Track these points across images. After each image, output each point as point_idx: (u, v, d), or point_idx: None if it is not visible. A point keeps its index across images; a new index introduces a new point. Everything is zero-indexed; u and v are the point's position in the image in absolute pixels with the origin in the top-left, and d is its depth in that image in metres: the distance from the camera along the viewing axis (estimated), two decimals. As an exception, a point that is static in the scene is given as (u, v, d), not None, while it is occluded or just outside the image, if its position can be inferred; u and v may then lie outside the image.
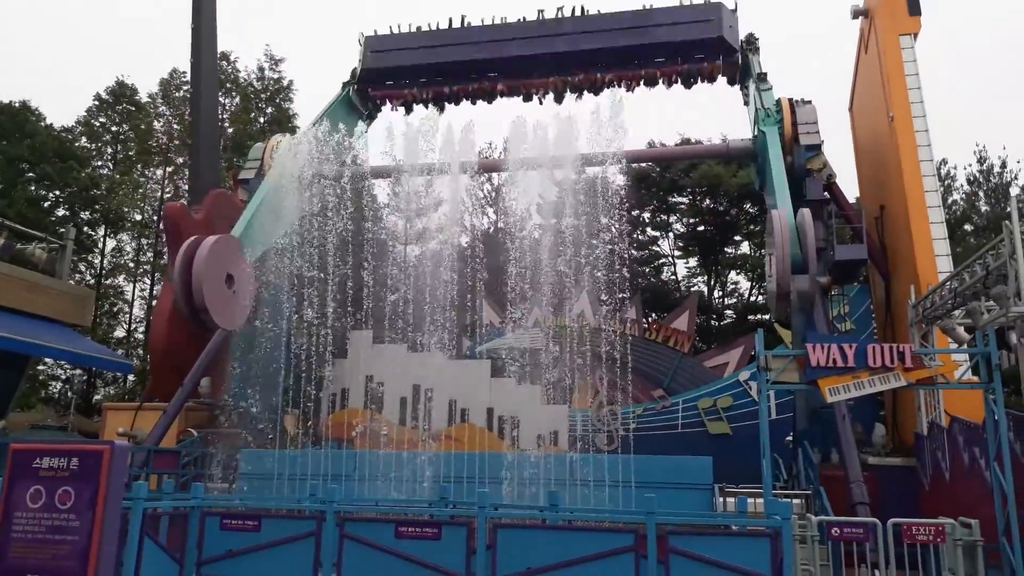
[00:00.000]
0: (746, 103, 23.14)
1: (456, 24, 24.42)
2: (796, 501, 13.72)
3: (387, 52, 24.79)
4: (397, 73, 24.97)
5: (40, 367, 37.47)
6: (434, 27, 24.69)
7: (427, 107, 25.24)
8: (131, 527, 8.21)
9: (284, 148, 20.48)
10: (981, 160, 39.44)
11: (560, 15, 23.61)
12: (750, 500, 10.99)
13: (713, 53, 22.73)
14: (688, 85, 23.52)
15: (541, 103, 24.53)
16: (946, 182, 38.74)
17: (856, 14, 22.52)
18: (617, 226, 17.63)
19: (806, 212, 17.06)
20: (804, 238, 16.52)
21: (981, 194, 39.45)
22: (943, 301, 14.80)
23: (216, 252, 17.32)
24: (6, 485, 6.05)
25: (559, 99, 24.22)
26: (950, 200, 38.77)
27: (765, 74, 21.90)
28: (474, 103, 24.96)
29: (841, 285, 21.07)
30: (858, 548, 10.43)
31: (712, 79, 23.29)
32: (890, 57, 19.96)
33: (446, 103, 25.23)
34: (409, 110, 25.43)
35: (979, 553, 10.00)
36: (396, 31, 25.05)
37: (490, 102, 24.83)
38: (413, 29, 24.94)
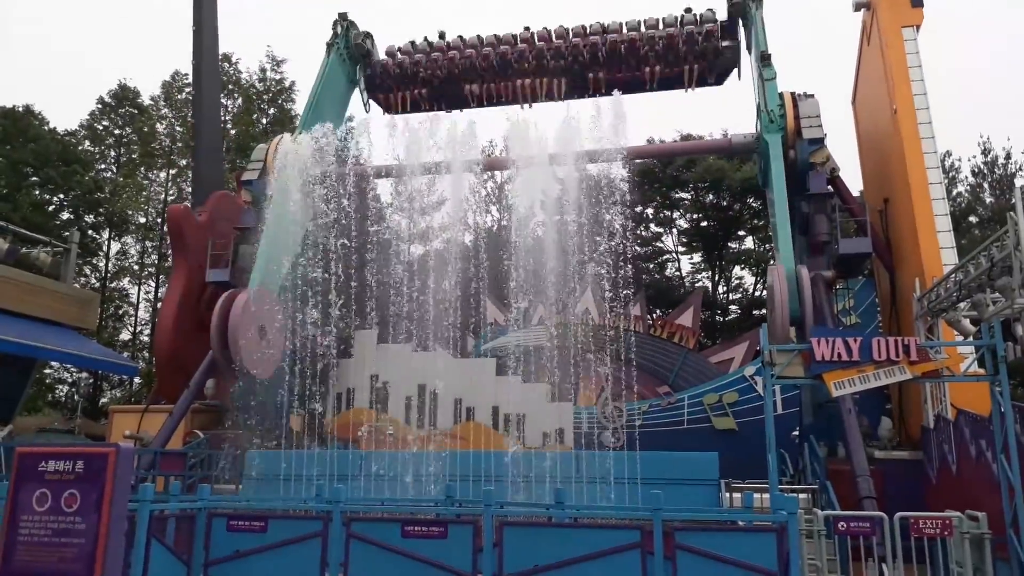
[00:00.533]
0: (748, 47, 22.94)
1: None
2: (803, 496, 13.70)
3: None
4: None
5: (47, 370, 37.60)
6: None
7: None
8: (138, 529, 8.23)
9: (285, 151, 20.44)
10: (985, 151, 39.31)
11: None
12: (756, 495, 10.97)
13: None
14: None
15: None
16: (950, 174, 38.61)
17: (858, 6, 22.43)
18: (620, 222, 17.60)
19: (803, 269, 17.51)
20: (802, 294, 16.93)
21: (986, 185, 39.33)
22: (948, 294, 14.75)
23: (249, 309, 18.62)
24: (12, 488, 6.07)
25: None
26: (954, 192, 38.65)
27: (769, 56, 21.04)
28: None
29: (845, 279, 21.02)
30: (865, 542, 10.41)
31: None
32: (892, 49, 19.88)
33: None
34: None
35: (987, 546, 9.98)
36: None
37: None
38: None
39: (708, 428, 21.29)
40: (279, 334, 19.05)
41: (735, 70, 24.13)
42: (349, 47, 24.98)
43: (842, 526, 10.18)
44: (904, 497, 13.66)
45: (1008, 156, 38.63)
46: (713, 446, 16.66)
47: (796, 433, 18.73)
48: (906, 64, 19.60)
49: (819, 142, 19.26)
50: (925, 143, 18.79)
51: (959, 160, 39.95)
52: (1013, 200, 11.80)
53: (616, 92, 20.37)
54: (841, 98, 27.94)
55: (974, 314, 14.33)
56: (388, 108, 26.11)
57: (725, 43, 23.58)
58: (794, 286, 17.17)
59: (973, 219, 37.54)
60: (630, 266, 17.85)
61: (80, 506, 5.91)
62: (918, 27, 19.95)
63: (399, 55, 25.46)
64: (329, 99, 24.37)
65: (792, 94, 20.12)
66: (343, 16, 25.15)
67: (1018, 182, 36.60)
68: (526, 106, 24.96)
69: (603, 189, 18.09)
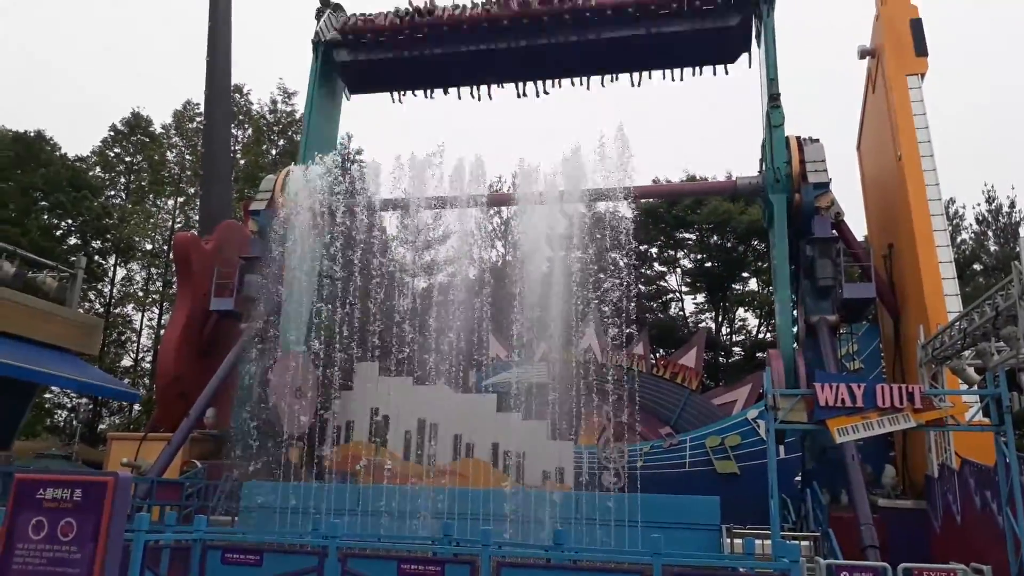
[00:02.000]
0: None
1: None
2: (804, 543, 13.52)
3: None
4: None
5: (46, 395, 37.52)
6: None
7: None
8: (132, 559, 8.15)
9: (295, 190, 20.59)
10: (990, 199, 39.46)
11: None
12: (758, 542, 10.82)
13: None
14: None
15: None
16: (955, 221, 38.74)
17: (863, 54, 22.70)
18: (625, 260, 17.64)
19: (800, 358, 17.74)
20: (799, 384, 17.03)
21: (990, 233, 39.40)
22: (952, 341, 14.71)
23: (287, 373, 19.11)
24: (9, 515, 6.02)
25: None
26: (959, 239, 38.72)
27: (778, 97, 20.20)
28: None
29: (849, 324, 20.98)
30: (868, 593, 10.25)
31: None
32: (897, 97, 20.08)
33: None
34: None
35: (992, 600, 9.83)
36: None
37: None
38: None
39: (710, 471, 21.13)
40: (313, 395, 19.27)
41: (744, 54, 22.91)
42: (332, 36, 24.09)
43: (845, 575, 10.04)
44: (907, 547, 13.48)
45: (1012, 205, 38.77)
46: (715, 489, 16.49)
47: (799, 479, 18.55)
48: (911, 112, 19.78)
49: (824, 186, 19.35)
50: (929, 190, 18.89)
51: (963, 207, 40.12)
52: (1018, 249, 11.83)
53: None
54: (847, 142, 28.18)
55: (979, 363, 14.28)
56: (362, 82, 25.30)
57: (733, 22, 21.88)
58: (791, 371, 17.42)
59: (977, 267, 37.54)
60: (634, 304, 17.85)
61: (76, 535, 5.86)
62: (922, 75, 20.17)
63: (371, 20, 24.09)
64: (321, 103, 24.47)
65: (798, 138, 20.26)
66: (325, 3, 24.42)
67: (1022, 231, 36.69)
68: (521, 92, 24.23)
69: (608, 227, 18.17)
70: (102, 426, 40.42)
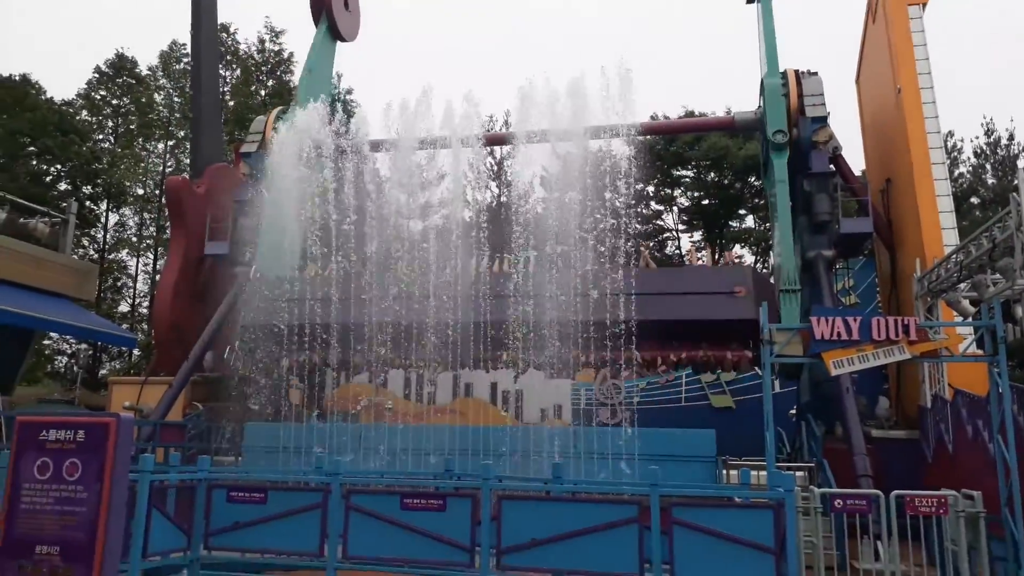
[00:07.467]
0: None
1: None
2: (799, 474, 13.79)
3: None
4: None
5: (46, 341, 37.65)
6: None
7: None
8: (139, 499, 8.26)
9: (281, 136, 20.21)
10: (988, 132, 39.15)
11: None
12: (753, 473, 11.01)
13: None
14: None
15: None
16: (953, 155, 38.49)
17: (864, -17, 22.19)
18: (621, 200, 17.48)
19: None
20: None
21: (988, 167, 39.20)
22: (948, 274, 14.74)
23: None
24: (13, 457, 6.07)
25: None
26: (956, 173, 38.55)
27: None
28: None
29: (846, 258, 21.00)
30: (861, 520, 10.48)
31: None
32: (898, 28, 19.69)
33: None
34: None
35: (981, 524, 10.04)
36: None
37: None
38: None
39: (706, 406, 21.41)
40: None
41: None
42: None
43: (838, 503, 10.23)
44: (900, 476, 13.75)
45: (1011, 137, 38.49)
46: (711, 423, 16.73)
47: (793, 412, 18.81)
48: (911, 43, 19.43)
49: (822, 120, 19.13)
50: (928, 123, 18.69)
51: (961, 141, 39.84)
52: (1015, 181, 11.76)
53: None
54: (845, 76, 27.76)
55: (974, 295, 14.35)
56: None
57: None
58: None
59: (975, 200, 37.47)
60: (630, 243, 17.78)
61: (81, 475, 5.91)
62: (924, 5, 19.75)
63: None
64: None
65: (796, 72, 19.95)
66: None
67: (1020, 163, 36.49)
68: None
69: (606, 165, 17.96)
70: (103, 371, 40.69)
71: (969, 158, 39.95)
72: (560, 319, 15.96)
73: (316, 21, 24.95)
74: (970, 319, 14.46)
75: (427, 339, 16.89)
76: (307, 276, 19.44)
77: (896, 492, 10.12)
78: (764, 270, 37.38)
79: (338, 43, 25.71)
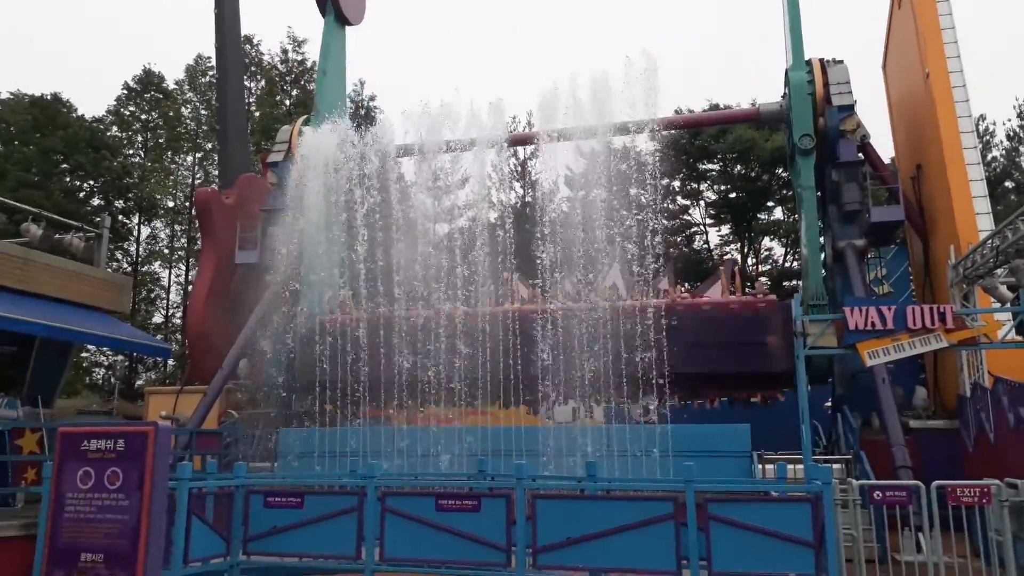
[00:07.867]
0: None
1: None
2: (836, 466, 13.60)
3: None
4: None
5: (84, 354, 38.36)
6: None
7: None
8: (178, 506, 8.39)
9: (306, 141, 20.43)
10: (1021, 114, 38.34)
11: None
12: (789, 466, 10.89)
13: None
14: None
15: None
16: (985, 138, 37.77)
17: (888, -32, 21.86)
18: (647, 196, 17.37)
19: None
20: None
21: (1021, 149, 38.39)
22: (984, 260, 14.47)
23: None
24: (56, 467, 6.20)
25: None
26: (989, 157, 37.80)
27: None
28: None
29: (878, 248, 20.68)
30: (901, 512, 10.32)
31: None
32: (924, 11, 19.37)
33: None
34: None
35: (1026, 514, 9.84)
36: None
37: None
38: None
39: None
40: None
41: None
42: None
43: (878, 495, 10.07)
44: (940, 466, 13.47)
45: (1045, 118, 37.66)
46: (745, 418, 16.57)
47: (829, 404, 18.56)
48: (939, 25, 19.10)
49: (849, 109, 18.85)
50: (959, 107, 18.36)
51: (993, 124, 39.07)
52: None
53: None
54: (871, 63, 27.37)
55: (1012, 280, 14.07)
56: None
57: None
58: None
59: (1009, 184, 36.72)
60: (658, 239, 17.67)
61: (123, 483, 6.03)
62: (951, -12, 19.41)
63: None
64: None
65: (821, 60, 19.69)
66: None
67: (1056, 145, 35.70)
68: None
69: (631, 161, 17.88)
70: (139, 382, 41.37)
71: (1002, 141, 39.18)
72: (592, 369, 16.13)
73: (323, 12, 24.97)
74: (1008, 305, 14.17)
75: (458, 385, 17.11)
76: (342, 303, 19.66)
77: (937, 483, 9.95)
78: (795, 262, 36.95)
79: (347, 40, 25.73)
